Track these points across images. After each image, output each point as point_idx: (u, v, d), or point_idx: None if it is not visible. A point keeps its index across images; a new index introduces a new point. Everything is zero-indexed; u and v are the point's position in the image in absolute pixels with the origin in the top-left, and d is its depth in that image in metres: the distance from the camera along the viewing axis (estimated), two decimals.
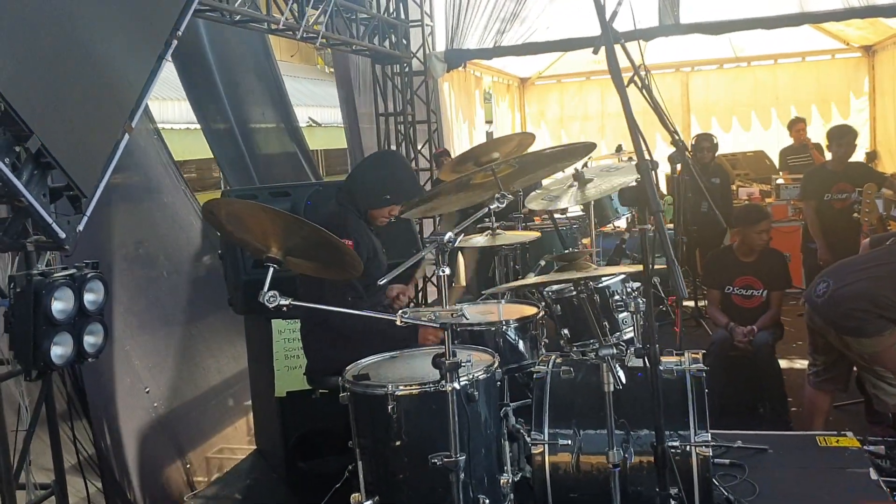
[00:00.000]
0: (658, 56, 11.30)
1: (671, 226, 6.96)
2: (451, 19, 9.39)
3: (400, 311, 2.53)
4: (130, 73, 3.80)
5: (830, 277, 4.61)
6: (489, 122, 12.31)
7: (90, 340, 3.63)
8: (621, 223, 8.28)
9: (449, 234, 2.56)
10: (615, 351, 2.75)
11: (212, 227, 3.45)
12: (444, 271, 2.55)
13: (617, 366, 2.72)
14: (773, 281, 5.49)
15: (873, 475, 3.81)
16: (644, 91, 3.83)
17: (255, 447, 4.90)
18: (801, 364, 6.08)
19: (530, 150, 4.56)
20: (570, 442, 3.06)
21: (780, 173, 9.97)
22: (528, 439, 3.12)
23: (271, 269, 2.52)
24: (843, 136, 6.60)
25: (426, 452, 2.71)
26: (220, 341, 6.20)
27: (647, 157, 2.29)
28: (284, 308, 2.50)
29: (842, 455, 4.08)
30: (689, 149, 7.22)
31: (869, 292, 4.36)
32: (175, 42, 4.09)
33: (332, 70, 25.79)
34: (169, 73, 5.43)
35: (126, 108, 3.77)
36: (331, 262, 2.75)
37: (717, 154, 8.38)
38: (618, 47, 5.95)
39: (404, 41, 8.60)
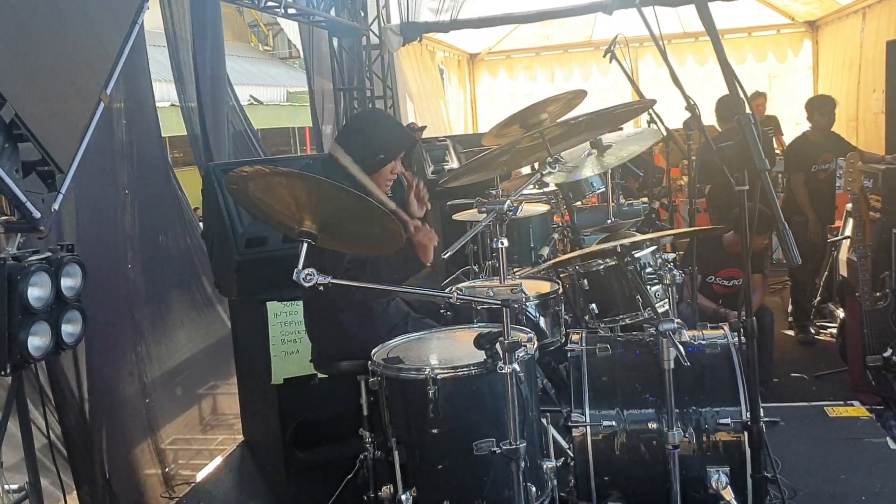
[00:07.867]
0: (607, 31, 11.22)
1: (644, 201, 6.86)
2: None
3: (455, 290, 2.33)
4: (105, 39, 3.52)
5: None
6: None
7: (68, 329, 3.33)
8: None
9: (508, 202, 2.36)
10: (676, 326, 2.60)
11: (236, 201, 3.15)
12: (502, 243, 2.36)
13: (678, 342, 2.56)
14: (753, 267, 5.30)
15: (892, 444, 3.77)
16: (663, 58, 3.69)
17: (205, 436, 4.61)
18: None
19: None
20: (614, 423, 2.90)
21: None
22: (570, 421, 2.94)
23: (305, 245, 2.27)
24: (824, 106, 6.49)
25: (469, 440, 2.51)
26: (169, 328, 5.88)
27: (748, 111, 2.12)
28: (322, 287, 2.26)
29: (854, 425, 4.05)
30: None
31: None
32: (147, 6, 3.86)
33: (266, 48, 25.29)
34: None
35: (101, 76, 3.48)
36: (370, 235, 2.49)
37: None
38: (623, 15, 5.75)
39: (362, 13, 8.32)
